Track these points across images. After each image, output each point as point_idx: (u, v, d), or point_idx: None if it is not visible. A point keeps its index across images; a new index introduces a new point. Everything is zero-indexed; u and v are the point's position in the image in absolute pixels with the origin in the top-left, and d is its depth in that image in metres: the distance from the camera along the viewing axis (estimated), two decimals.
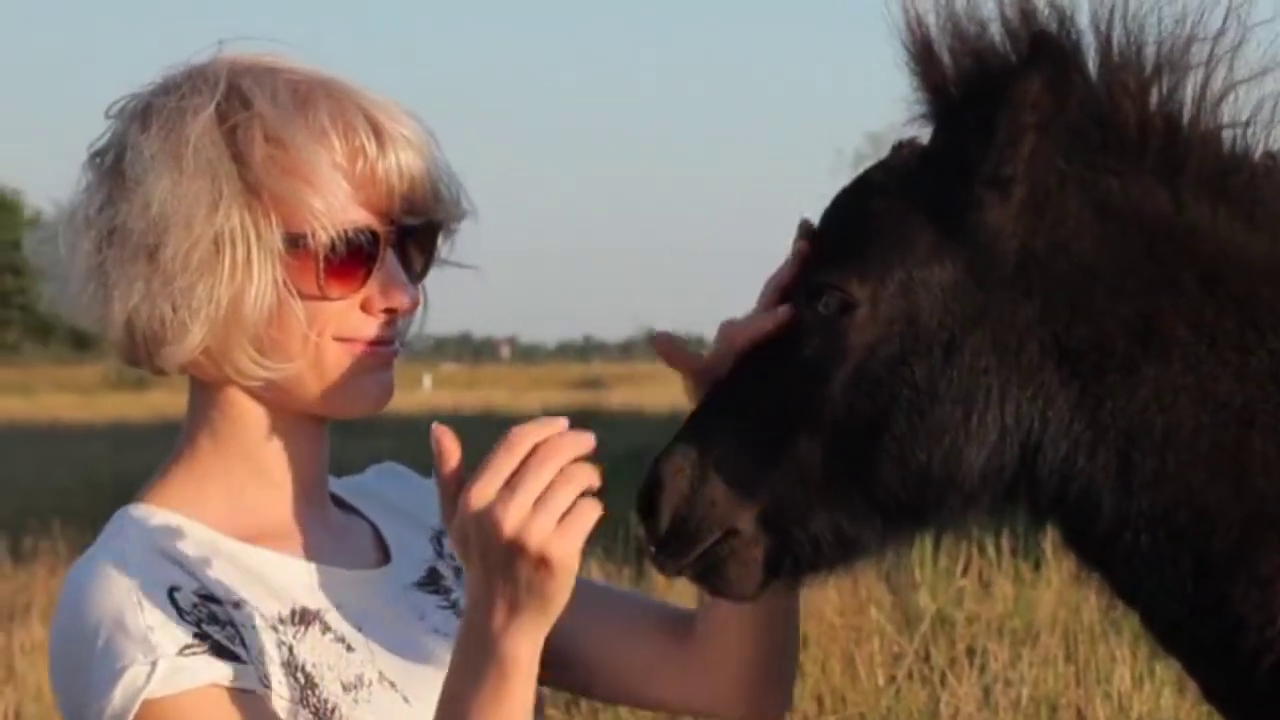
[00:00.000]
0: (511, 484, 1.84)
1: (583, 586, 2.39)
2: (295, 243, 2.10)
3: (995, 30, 2.11)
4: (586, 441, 1.87)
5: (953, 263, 2.08)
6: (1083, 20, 2.10)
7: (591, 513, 1.86)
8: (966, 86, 2.09)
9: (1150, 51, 2.09)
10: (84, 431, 28.45)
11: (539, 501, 1.84)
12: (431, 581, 2.31)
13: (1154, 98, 2.08)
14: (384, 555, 2.30)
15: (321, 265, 2.11)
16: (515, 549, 1.84)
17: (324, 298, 2.13)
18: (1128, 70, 2.08)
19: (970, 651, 6.65)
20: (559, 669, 2.32)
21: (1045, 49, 2.03)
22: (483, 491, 1.85)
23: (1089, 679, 6.20)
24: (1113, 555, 2.12)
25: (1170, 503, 2.06)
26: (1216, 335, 2.06)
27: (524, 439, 1.87)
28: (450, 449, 1.90)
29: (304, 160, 2.09)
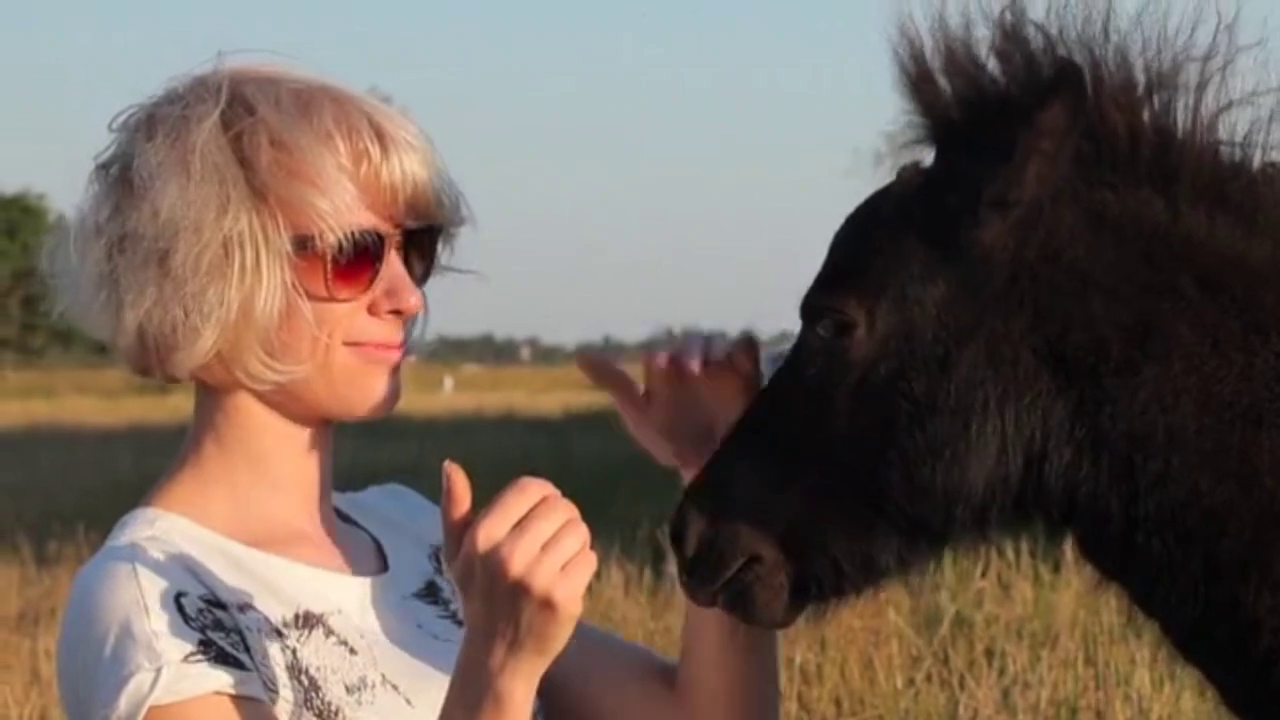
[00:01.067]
0: (521, 526, 1.87)
1: (589, 633, 2.40)
2: (303, 245, 2.12)
3: (991, 54, 2.14)
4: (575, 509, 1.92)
5: (945, 279, 2.11)
6: (1070, 37, 2.13)
7: (592, 563, 1.89)
8: (970, 110, 2.13)
9: (1141, 68, 2.11)
10: (107, 435, 28.51)
11: (546, 546, 1.87)
12: (430, 593, 2.33)
13: (1146, 113, 2.11)
14: (383, 565, 2.32)
15: (329, 267, 2.13)
16: (521, 589, 1.86)
17: (332, 299, 2.15)
18: (1118, 86, 2.11)
19: (989, 654, 6.66)
20: (559, 712, 2.35)
21: (1070, 79, 2.05)
22: (492, 530, 1.87)
23: (1109, 681, 6.19)
24: (1125, 561, 2.13)
25: (1178, 505, 2.07)
26: (1219, 336, 2.07)
27: (535, 486, 1.90)
28: (461, 490, 1.92)
29: (309, 163, 2.11)
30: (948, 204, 2.12)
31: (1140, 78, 2.11)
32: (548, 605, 1.86)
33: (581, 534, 1.89)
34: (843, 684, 6.50)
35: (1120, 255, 2.09)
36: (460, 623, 2.22)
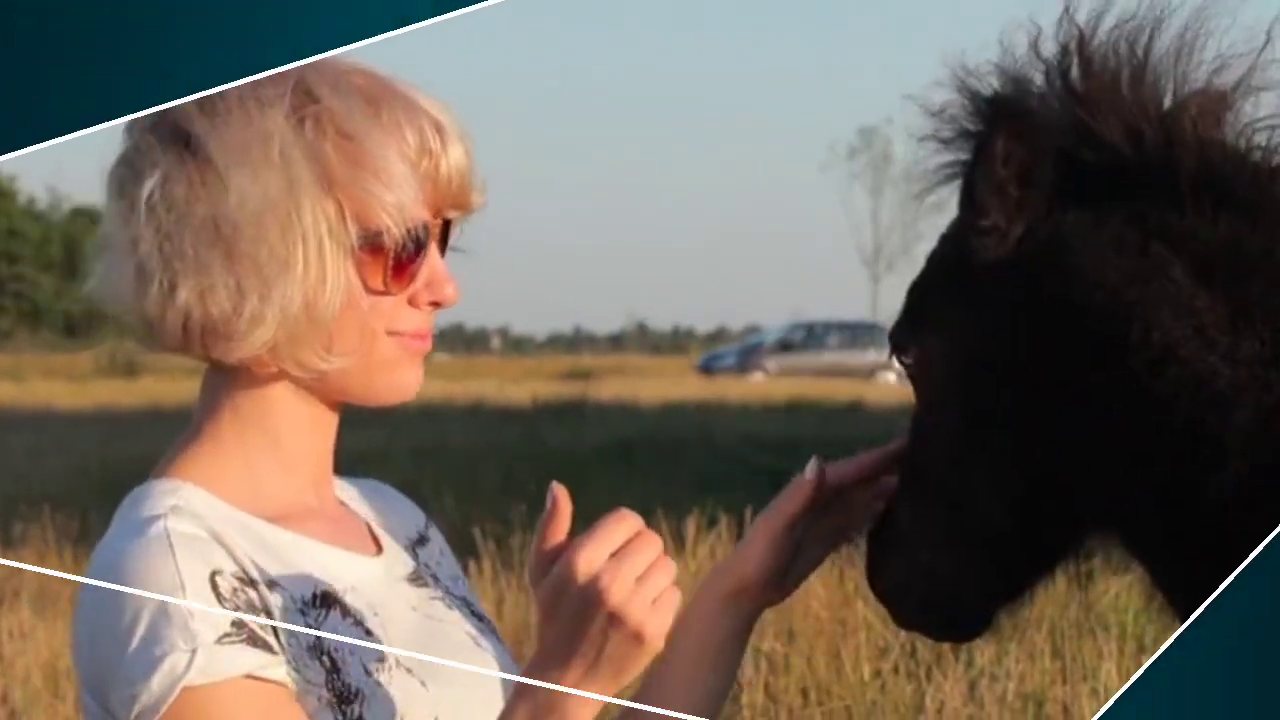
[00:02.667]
0: (619, 556, 1.90)
1: None
2: (369, 239, 2.11)
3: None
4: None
5: (965, 304, 2.24)
6: (1096, 59, 2.18)
7: (678, 600, 1.93)
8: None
9: (1156, 79, 2.18)
10: (75, 418, 28.39)
11: (640, 579, 1.90)
12: (418, 577, 2.34)
13: (1153, 118, 2.16)
14: (378, 547, 2.32)
15: (390, 262, 2.13)
16: (615, 619, 1.88)
17: (386, 293, 2.15)
18: (1127, 96, 2.17)
19: (956, 646, 6.68)
20: None
21: (1003, 109, 2.18)
22: (591, 557, 1.89)
23: (1075, 675, 6.22)
24: (1123, 532, 2.22)
25: (1153, 480, 2.12)
26: (1205, 320, 2.11)
27: (633, 518, 1.94)
28: (565, 514, 1.96)
29: (375, 155, 2.10)
30: (956, 234, 2.28)
31: (1157, 87, 2.17)
32: (637, 638, 1.89)
33: (670, 569, 1.92)
34: (810, 674, 6.51)
35: (1113, 248, 2.15)
36: (450, 606, 2.30)
